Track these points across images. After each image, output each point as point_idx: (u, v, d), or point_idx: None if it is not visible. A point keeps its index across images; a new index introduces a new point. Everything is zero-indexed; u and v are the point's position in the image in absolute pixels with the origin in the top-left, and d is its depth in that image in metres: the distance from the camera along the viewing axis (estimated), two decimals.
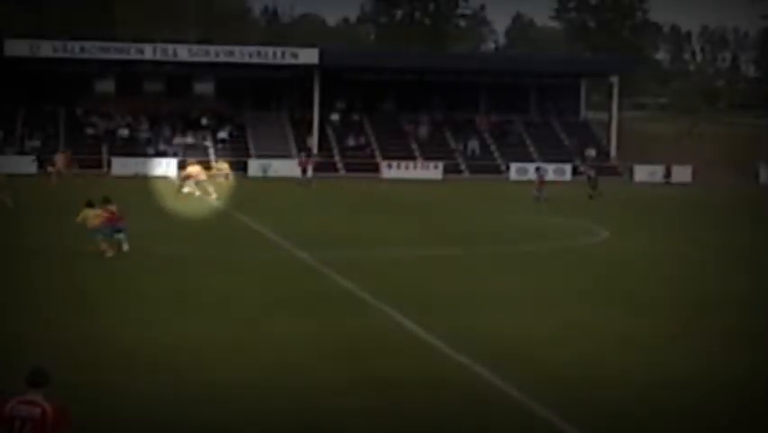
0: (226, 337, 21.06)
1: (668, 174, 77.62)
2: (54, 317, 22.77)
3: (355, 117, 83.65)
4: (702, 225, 46.97)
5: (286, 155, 77.47)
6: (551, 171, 78.68)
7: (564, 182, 76.20)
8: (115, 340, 20.55)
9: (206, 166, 59.10)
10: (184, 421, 15.71)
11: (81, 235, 32.52)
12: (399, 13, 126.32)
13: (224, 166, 63.69)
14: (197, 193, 53.85)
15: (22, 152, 74.04)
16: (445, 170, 77.51)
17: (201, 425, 15.61)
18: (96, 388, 16.88)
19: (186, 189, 54.17)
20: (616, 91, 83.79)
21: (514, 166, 77.81)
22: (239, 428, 15.53)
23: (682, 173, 78.92)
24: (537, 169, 63.23)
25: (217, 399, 16.65)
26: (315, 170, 68.55)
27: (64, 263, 30.55)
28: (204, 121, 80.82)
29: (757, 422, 16.46)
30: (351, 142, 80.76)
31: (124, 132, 78.79)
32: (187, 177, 55.44)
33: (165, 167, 71.88)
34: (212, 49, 78.32)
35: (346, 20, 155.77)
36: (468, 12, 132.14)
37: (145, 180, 63.19)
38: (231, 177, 61.25)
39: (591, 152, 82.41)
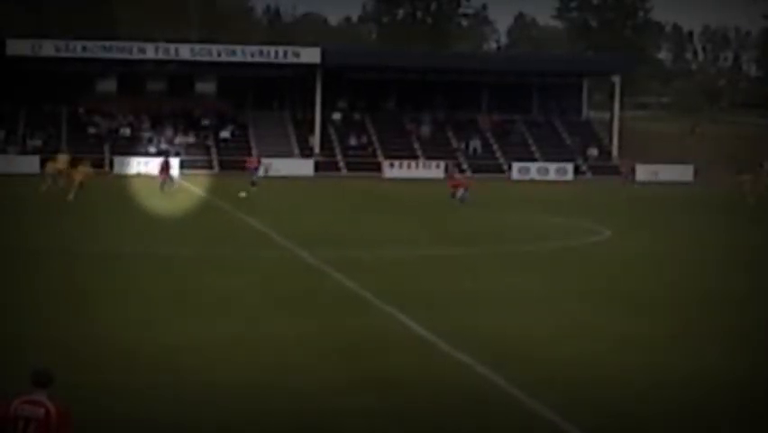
0: (226, 337, 21.04)
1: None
2: (54, 317, 22.73)
3: (357, 117, 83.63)
4: (703, 224, 46.94)
5: (288, 155, 77.52)
6: (552, 171, 78.76)
7: (566, 182, 76.28)
8: (115, 340, 20.53)
9: (75, 162, 55.29)
10: (184, 421, 15.69)
11: (81, 235, 32.51)
12: (401, 12, 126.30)
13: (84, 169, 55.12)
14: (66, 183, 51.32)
15: (23, 152, 74.12)
16: (447, 170, 77.42)
17: (201, 425, 15.60)
18: (96, 388, 16.85)
19: (44, 187, 51.65)
20: (618, 90, 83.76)
21: (516, 165, 77.76)
22: (239, 428, 15.51)
23: (684, 172, 78.85)
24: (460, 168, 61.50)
25: (217, 399, 16.63)
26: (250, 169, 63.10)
27: (64, 263, 30.56)
28: (206, 120, 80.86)
29: (757, 422, 16.44)
30: (353, 141, 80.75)
31: (126, 131, 78.86)
32: (58, 171, 52.93)
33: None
34: (214, 48, 78.34)
35: (348, 19, 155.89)
36: (470, 11, 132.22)
37: (147, 179, 63.19)
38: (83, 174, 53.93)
39: (593, 152, 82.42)
